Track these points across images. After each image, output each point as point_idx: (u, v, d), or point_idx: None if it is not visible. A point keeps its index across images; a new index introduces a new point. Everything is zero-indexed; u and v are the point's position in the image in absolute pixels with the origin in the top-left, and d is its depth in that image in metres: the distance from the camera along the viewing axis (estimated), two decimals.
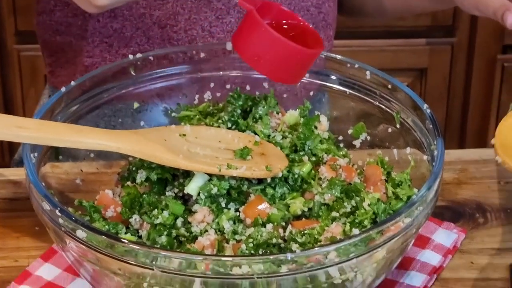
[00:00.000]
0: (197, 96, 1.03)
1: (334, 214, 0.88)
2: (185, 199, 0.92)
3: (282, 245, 0.86)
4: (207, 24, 1.13)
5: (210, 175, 0.90)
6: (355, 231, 0.83)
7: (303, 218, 0.90)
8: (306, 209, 0.90)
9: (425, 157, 0.91)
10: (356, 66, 0.99)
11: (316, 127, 0.98)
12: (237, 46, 0.91)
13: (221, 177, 0.90)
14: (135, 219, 0.89)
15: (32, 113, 0.96)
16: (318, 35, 0.94)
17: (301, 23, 0.94)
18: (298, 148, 0.96)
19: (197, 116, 1.01)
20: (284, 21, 0.94)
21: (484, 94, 2.18)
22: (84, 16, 1.14)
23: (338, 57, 1.00)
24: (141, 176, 0.93)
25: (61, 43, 1.18)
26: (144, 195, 0.91)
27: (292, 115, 0.99)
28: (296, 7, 1.17)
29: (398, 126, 0.96)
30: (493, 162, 1.10)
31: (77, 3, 0.94)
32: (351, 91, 1.00)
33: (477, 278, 0.94)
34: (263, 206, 0.89)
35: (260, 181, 0.92)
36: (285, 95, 1.03)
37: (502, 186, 1.06)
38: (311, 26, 0.95)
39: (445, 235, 0.98)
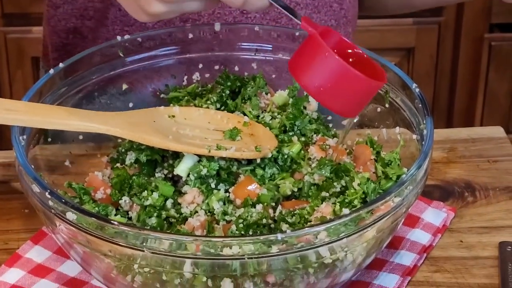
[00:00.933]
0: (185, 77, 1.03)
1: (324, 194, 0.88)
2: (175, 181, 0.92)
3: (272, 225, 0.86)
4: (231, 19, 1.12)
5: (200, 156, 0.90)
6: (345, 211, 0.83)
7: (293, 198, 0.90)
8: (295, 190, 0.90)
9: (414, 136, 0.91)
10: None
11: (305, 108, 0.98)
12: (295, 71, 0.84)
13: (210, 158, 0.90)
14: (125, 200, 0.89)
15: (19, 96, 0.96)
16: (380, 67, 0.88)
17: (364, 55, 0.88)
18: (287, 128, 0.96)
19: (186, 97, 1.01)
20: (346, 51, 0.88)
21: (471, 73, 2.19)
22: (105, 4, 1.13)
23: None
24: (130, 157, 0.93)
25: (78, 32, 1.16)
26: (134, 177, 0.91)
27: (281, 96, 1.00)
28: (320, 3, 1.15)
29: (387, 105, 0.96)
30: (481, 141, 1.10)
31: (128, 11, 0.91)
32: None
33: (467, 256, 0.94)
34: (253, 186, 0.89)
35: (250, 161, 0.92)
36: (273, 76, 1.03)
37: (491, 164, 1.07)
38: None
39: (435, 214, 0.99)
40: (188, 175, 0.89)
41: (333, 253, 0.78)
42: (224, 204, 0.88)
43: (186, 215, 0.87)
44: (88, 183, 0.91)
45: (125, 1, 0.91)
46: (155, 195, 0.88)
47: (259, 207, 0.87)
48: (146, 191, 0.89)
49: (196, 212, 0.87)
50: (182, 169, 0.89)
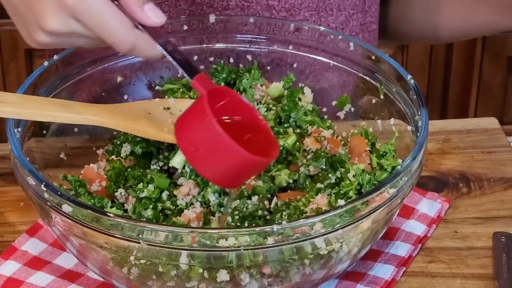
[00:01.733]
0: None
1: (319, 185, 0.88)
2: (170, 173, 0.92)
3: (268, 217, 0.86)
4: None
5: None
6: (341, 202, 0.83)
7: (288, 190, 0.90)
8: (291, 181, 0.90)
9: (409, 127, 0.91)
10: (340, 37, 0.99)
11: (300, 99, 0.98)
12: (177, 128, 0.79)
13: None
14: (120, 193, 0.89)
15: (13, 88, 0.95)
16: (275, 141, 0.83)
17: (262, 122, 0.82)
18: (282, 120, 0.96)
19: (181, 89, 1.01)
20: (242, 116, 0.82)
21: (465, 64, 2.19)
22: None
23: (322, 28, 1.00)
24: (125, 150, 0.93)
25: None
26: (129, 169, 0.91)
27: (276, 87, 1.00)
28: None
29: (382, 97, 0.96)
30: (476, 132, 1.10)
31: (21, 34, 0.88)
32: (334, 63, 0.99)
33: (461, 247, 0.94)
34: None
35: None
36: (268, 67, 1.03)
37: (485, 155, 1.07)
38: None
39: (429, 205, 0.99)
40: (183, 167, 0.90)
41: (328, 244, 0.79)
42: (220, 196, 0.88)
43: (182, 207, 0.87)
44: (83, 176, 0.91)
45: (17, 24, 0.88)
46: (151, 187, 0.88)
47: (254, 198, 0.87)
48: (141, 183, 0.89)
49: (192, 204, 0.88)
50: (177, 161, 0.89)
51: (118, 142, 0.95)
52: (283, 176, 0.90)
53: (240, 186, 0.87)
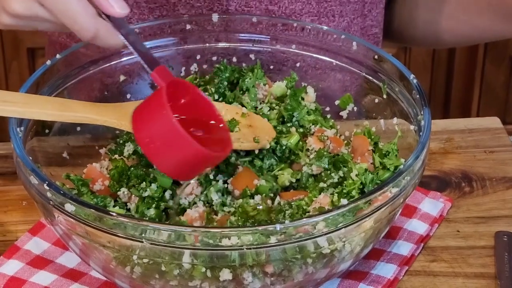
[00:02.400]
0: (183, 68, 1.03)
1: (322, 185, 0.88)
2: None
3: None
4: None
5: None
6: (343, 201, 0.83)
7: (291, 189, 0.91)
8: (294, 180, 0.90)
9: (411, 127, 0.91)
10: (343, 36, 0.99)
11: (303, 99, 0.98)
12: (134, 120, 0.80)
13: None
14: (123, 192, 0.89)
15: (15, 87, 0.95)
16: (228, 136, 0.84)
17: (218, 116, 0.84)
18: (285, 119, 0.96)
19: None
20: (199, 110, 0.83)
21: (468, 64, 2.19)
22: None
23: (325, 28, 1.00)
24: (128, 149, 0.93)
25: None
26: (132, 168, 0.91)
27: (279, 87, 1.00)
28: None
29: (385, 96, 0.96)
30: (478, 132, 1.10)
31: None
32: (337, 62, 1.00)
33: (463, 246, 0.94)
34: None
35: (248, 153, 0.92)
36: (271, 67, 1.03)
37: (488, 155, 1.07)
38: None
39: (432, 204, 0.99)
40: None
41: (331, 244, 0.79)
42: (223, 195, 0.88)
43: (185, 206, 0.87)
44: (86, 175, 0.91)
45: None
46: (154, 186, 0.88)
47: (257, 198, 0.87)
48: (144, 182, 0.89)
49: (195, 203, 0.88)
50: None
51: (121, 141, 0.95)
52: (286, 176, 0.90)
53: (192, 178, 0.87)
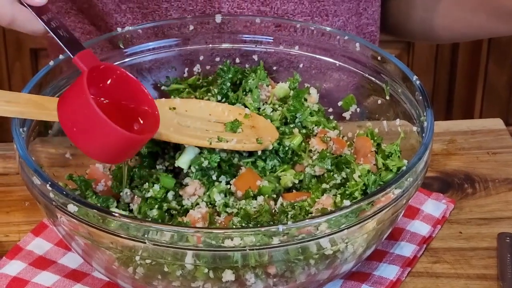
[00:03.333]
0: (186, 69, 1.03)
1: (324, 186, 0.88)
2: (176, 173, 0.92)
3: (274, 217, 0.86)
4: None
5: (201, 148, 0.90)
6: (346, 202, 0.83)
7: (293, 190, 0.90)
8: (296, 182, 0.90)
9: (414, 128, 0.91)
10: (346, 37, 0.99)
11: (306, 100, 0.98)
12: (59, 105, 0.82)
13: (211, 150, 0.90)
14: (126, 192, 0.89)
15: (18, 88, 0.95)
16: (157, 117, 0.85)
17: (148, 97, 0.85)
18: (288, 120, 0.96)
19: (187, 89, 1.01)
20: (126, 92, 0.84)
21: (471, 64, 2.19)
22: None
23: (328, 29, 1.00)
24: None
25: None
26: (135, 169, 0.91)
27: (282, 88, 0.99)
28: None
29: (387, 97, 0.96)
30: (481, 133, 1.10)
31: None
32: (340, 63, 1.00)
33: (466, 247, 0.94)
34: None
35: (251, 153, 0.92)
36: (274, 68, 1.03)
37: (490, 156, 1.07)
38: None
39: (434, 206, 0.99)
40: (189, 167, 0.90)
41: (334, 245, 0.79)
42: (226, 196, 0.88)
43: (188, 207, 0.87)
44: (89, 175, 0.91)
45: None
46: (156, 187, 0.88)
47: (260, 199, 0.87)
48: (147, 183, 0.89)
49: (198, 204, 0.88)
50: (183, 161, 0.89)
51: None
52: (289, 177, 0.90)
53: (124, 163, 0.88)
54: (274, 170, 0.91)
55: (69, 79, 0.96)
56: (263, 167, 0.91)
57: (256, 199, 0.87)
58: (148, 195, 0.88)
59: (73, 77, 0.96)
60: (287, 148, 0.92)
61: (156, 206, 0.87)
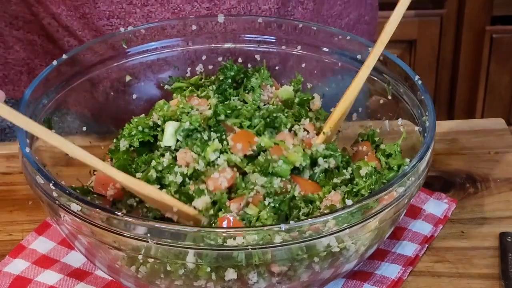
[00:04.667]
0: (189, 69, 1.03)
1: (335, 180, 0.88)
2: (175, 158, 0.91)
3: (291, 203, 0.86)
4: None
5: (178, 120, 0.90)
6: (348, 202, 0.83)
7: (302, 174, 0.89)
8: (304, 164, 0.89)
9: (416, 128, 0.91)
10: (348, 38, 0.99)
11: (309, 108, 0.98)
12: None
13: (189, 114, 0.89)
14: (138, 178, 0.88)
15: None
16: None
17: None
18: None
19: (189, 88, 1.01)
20: None
21: (472, 65, 2.19)
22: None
23: (330, 29, 1.00)
24: (124, 144, 0.92)
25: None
26: (135, 158, 0.91)
27: (286, 90, 0.98)
28: None
29: (389, 97, 0.96)
30: (483, 133, 1.10)
31: None
32: (342, 63, 1.00)
33: (468, 247, 0.95)
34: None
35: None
36: (277, 68, 1.03)
37: (492, 156, 1.07)
38: None
39: (436, 205, 0.99)
40: (177, 141, 0.89)
41: (340, 242, 0.79)
42: (221, 153, 0.87)
43: (210, 170, 0.86)
44: (96, 182, 0.91)
45: None
46: (165, 161, 0.88)
47: (277, 181, 0.86)
48: (153, 161, 0.88)
49: (218, 165, 0.86)
50: (167, 138, 0.89)
51: (119, 138, 0.94)
52: (299, 155, 0.87)
53: None
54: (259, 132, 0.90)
55: (71, 78, 0.96)
56: (249, 126, 0.90)
57: (259, 155, 0.86)
58: (160, 168, 0.87)
59: (76, 76, 0.97)
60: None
61: (176, 169, 0.86)
